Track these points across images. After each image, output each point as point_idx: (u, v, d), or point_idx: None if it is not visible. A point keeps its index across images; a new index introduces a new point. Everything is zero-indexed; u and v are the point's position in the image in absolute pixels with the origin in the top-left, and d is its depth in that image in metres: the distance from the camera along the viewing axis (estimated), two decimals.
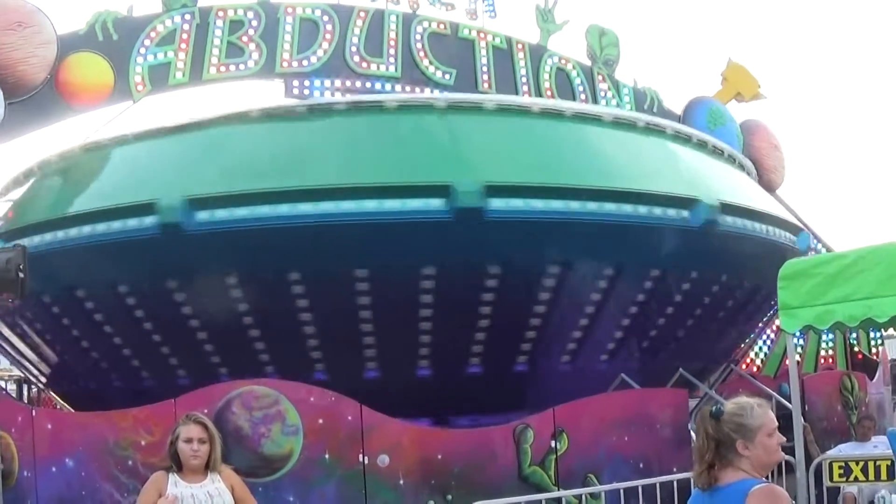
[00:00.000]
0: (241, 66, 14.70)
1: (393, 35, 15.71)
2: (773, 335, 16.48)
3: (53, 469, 8.19)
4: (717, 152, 11.57)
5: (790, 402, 7.30)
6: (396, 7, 15.82)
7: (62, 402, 12.33)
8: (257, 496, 5.73)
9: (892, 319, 6.09)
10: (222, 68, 14.54)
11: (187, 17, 14.28)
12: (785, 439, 3.60)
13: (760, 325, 12.96)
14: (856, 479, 7.62)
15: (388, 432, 7.87)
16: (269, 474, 7.63)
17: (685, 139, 11.09)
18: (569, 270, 9.24)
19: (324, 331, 9.10)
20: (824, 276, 6.23)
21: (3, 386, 18.51)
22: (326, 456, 7.75)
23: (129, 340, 9.79)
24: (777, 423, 3.55)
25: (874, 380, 14.47)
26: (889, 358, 17.84)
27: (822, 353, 17.39)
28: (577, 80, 17.39)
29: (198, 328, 9.27)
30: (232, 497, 5.22)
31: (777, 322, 11.56)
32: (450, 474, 7.90)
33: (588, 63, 17.65)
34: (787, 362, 7.61)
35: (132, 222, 8.88)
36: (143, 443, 7.78)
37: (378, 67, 15.57)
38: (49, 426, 8.43)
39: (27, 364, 11.84)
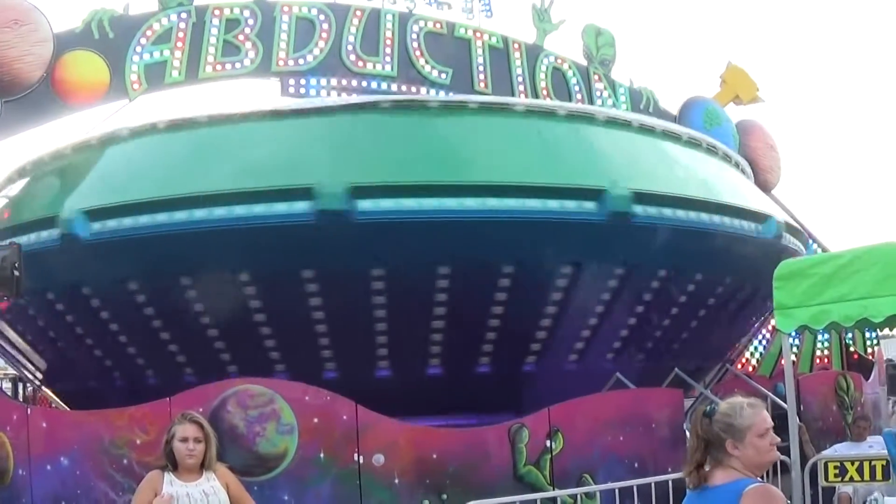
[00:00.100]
0: (238, 65, 14.66)
1: (389, 34, 15.68)
2: (768, 335, 16.49)
3: (48, 467, 8.15)
4: (711, 150, 11.52)
5: (786, 401, 7.30)
6: (393, 6, 15.80)
7: (57, 401, 12.29)
8: (252, 495, 5.72)
9: (887, 319, 6.11)
10: (218, 67, 14.51)
11: (183, 15, 14.25)
12: (780, 439, 3.59)
13: (751, 324, 12.89)
14: (851, 480, 7.61)
15: (383, 431, 7.85)
16: (263, 473, 7.61)
17: (675, 137, 10.97)
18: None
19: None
20: (820, 276, 6.24)
21: None
22: (321, 455, 7.73)
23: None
24: (771, 424, 3.53)
25: (870, 380, 14.50)
26: (885, 358, 17.90)
27: (818, 353, 17.41)
28: (574, 80, 17.38)
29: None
30: (227, 495, 5.22)
31: (773, 322, 11.59)
32: (445, 474, 7.88)
33: (584, 63, 17.64)
34: (783, 362, 7.60)
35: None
36: (138, 441, 7.75)
37: (374, 66, 15.54)
38: (44, 424, 8.38)
39: (23, 362, 11.81)
